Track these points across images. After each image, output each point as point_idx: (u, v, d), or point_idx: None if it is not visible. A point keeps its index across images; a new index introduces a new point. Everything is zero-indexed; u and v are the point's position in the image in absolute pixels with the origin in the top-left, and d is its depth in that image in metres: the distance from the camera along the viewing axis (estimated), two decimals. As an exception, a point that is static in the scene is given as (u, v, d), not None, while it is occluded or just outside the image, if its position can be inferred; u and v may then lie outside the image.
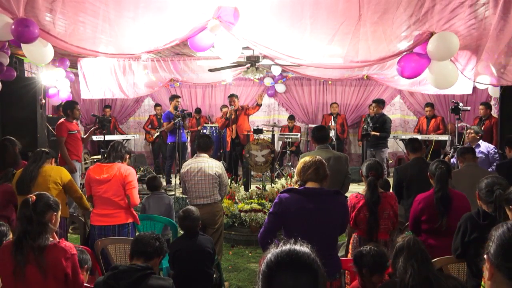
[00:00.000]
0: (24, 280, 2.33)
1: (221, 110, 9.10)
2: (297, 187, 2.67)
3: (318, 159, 2.70)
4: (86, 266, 2.72)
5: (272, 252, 1.19)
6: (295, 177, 2.76)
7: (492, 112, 7.42)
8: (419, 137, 7.28)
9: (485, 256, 1.26)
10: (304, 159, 2.74)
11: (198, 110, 9.64)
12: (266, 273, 1.15)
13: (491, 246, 1.24)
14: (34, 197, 2.42)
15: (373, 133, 7.44)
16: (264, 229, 2.62)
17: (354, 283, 2.63)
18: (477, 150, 5.28)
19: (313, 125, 9.53)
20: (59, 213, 2.57)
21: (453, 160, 5.45)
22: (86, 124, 9.84)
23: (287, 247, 1.18)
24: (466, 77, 4.11)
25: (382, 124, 7.50)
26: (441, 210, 3.11)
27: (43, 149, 4.00)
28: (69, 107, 5.87)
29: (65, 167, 5.02)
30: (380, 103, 7.69)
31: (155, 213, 4.24)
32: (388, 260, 2.53)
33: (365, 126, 7.71)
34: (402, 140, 8.15)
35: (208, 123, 9.43)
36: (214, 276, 3.39)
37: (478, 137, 5.50)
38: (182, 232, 3.44)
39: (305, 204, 2.54)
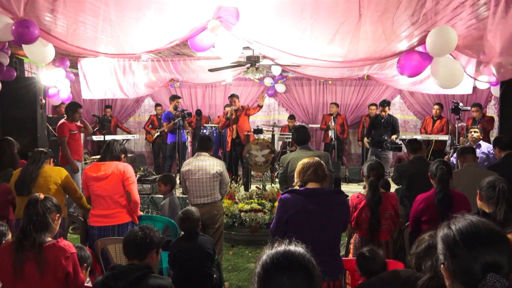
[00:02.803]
0: (24, 279, 2.34)
1: (224, 109, 9.13)
2: (297, 188, 2.68)
3: (317, 160, 2.71)
4: (85, 264, 2.72)
5: (267, 253, 1.18)
6: (295, 178, 2.77)
7: (492, 112, 7.42)
8: (419, 137, 7.27)
9: (441, 266, 1.22)
10: (303, 160, 2.74)
11: (198, 112, 9.60)
12: (261, 274, 1.15)
13: (445, 256, 1.20)
14: (42, 195, 2.50)
15: (393, 138, 7.36)
16: (275, 226, 2.69)
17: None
18: (478, 150, 5.27)
19: (314, 125, 9.60)
20: (61, 216, 2.63)
21: (453, 159, 5.44)
22: (86, 124, 9.83)
23: (282, 248, 1.18)
24: (468, 75, 4.09)
25: (394, 126, 7.50)
26: (442, 211, 3.11)
27: (41, 149, 3.99)
28: (71, 109, 5.88)
29: (67, 167, 5.02)
30: (388, 104, 7.64)
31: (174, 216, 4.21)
32: (382, 264, 2.52)
33: (388, 141, 7.41)
34: (402, 140, 8.14)
35: (208, 123, 9.43)
36: (214, 276, 3.39)
37: (481, 137, 5.50)
38: (182, 232, 3.44)
39: (306, 205, 2.55)
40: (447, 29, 3.54)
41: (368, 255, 2.53)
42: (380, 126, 7.51)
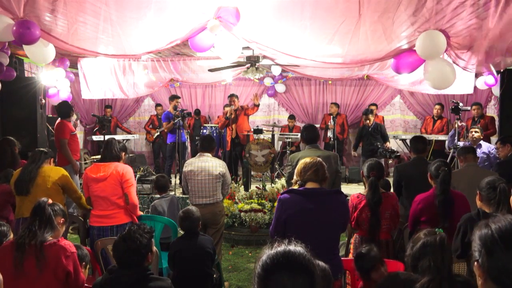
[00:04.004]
0: (24, 277, 2.36)
1: (224, 109, 9.12)
2: (296, 187, 2.68)
3: (319, 161, 2.70)
4: (83, 262, 2.73)
5: (267, 254, 1.17)
6: (295, 176, 2.76)
7: (492, 112, 7.41)
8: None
9: (475, 264, 1.22)
10: (305, 160, 2.73)
11: (197, 112, 9.57)
12: (261, 275, 1.14)
13: (481, 254, 1.20)
14: (50, 200, 2.61)
15: (388, 145, 7.21)
16: (273, 227, 2.68)
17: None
18: (479, 150, 5.26)
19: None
20: (66, 221, 2.71)
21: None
22: (86, 124, 9.83)
23: (282, 248, 1.17)
24: (468, 71, 4.09)
25: (383, 132, 7.45)
26: (442, 213, 3.10)
27: (42, 149, 3.99)
28: (71, 109, 5.85)
29: (67, 167, 5.01)
30: (371, 112, 7.63)
31: (173, 218, 4.15)
32: (378, 258, 2.54)
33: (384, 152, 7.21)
34: (402, 140, 8.13)
35: (208, 123, 9.43)
36: (214, 276, 3.39)
37: (482, 137, 5.49)
38: (182, 232, 3.44)
39: (305, 205, 2.55)
40: (435, 33, 3.53)
41: (364, 252, 2.55)
42: (369, 135, 7.47)
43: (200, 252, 3.22)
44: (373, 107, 8.89)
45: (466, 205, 3.18)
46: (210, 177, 4.22)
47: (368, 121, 7.46)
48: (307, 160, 2.71)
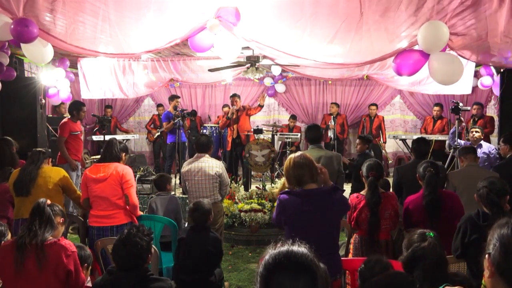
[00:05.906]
0: (25, 276, 2.36)
1: (223, 109, 9.11)
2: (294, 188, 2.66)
3: (309, 161, 2.64)
4: (85, 264, 2.72)
5: (269, 253, 1.17)
6: (287, 184, 2.71)
7: (492, 112, 7.41)
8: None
9: (486, 256, 1.22)
10: (293, 162, 2.65)
11: (194, 113, 9.41)
12: (264, 275, 1.14)
13: (494, 248, 1.18)
14: (49, 201, 2.62)
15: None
16: (274, 219, 2.69)
17: None
18: (479, 150, 5.25)
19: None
20: (65, 221, 2.72)
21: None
22: (86, 124, 9.83)
23: (285, 248, 1.17)
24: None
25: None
26: (430, 214, 3.10)
27: (40, 149, 3.98)
28: (75, 108, 5.86)
29: (65, 166, 5.00)
30: (367, 141, 6.00)
31: (170, 216, 4.13)
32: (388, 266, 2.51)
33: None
34: (402, 140, 8.13)
35: (208, 123, 9.42)
36: (211, 278, 3.36)
37: (482, 137, 5.48)
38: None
39: (302, 206, 2.55)
40: (437, 24, 3.49)
41: (374, 262, 2.50)
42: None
43: (199, 248, 3.20)
44: (373, 107, 8.89)
45: (458, 205, 3.18)
46: (207, 178, 4.22)
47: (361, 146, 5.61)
48: (296, 161, 2.64)
